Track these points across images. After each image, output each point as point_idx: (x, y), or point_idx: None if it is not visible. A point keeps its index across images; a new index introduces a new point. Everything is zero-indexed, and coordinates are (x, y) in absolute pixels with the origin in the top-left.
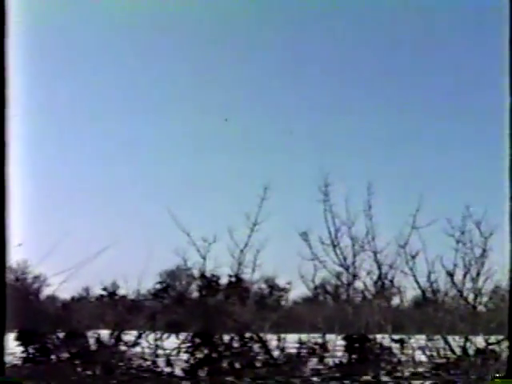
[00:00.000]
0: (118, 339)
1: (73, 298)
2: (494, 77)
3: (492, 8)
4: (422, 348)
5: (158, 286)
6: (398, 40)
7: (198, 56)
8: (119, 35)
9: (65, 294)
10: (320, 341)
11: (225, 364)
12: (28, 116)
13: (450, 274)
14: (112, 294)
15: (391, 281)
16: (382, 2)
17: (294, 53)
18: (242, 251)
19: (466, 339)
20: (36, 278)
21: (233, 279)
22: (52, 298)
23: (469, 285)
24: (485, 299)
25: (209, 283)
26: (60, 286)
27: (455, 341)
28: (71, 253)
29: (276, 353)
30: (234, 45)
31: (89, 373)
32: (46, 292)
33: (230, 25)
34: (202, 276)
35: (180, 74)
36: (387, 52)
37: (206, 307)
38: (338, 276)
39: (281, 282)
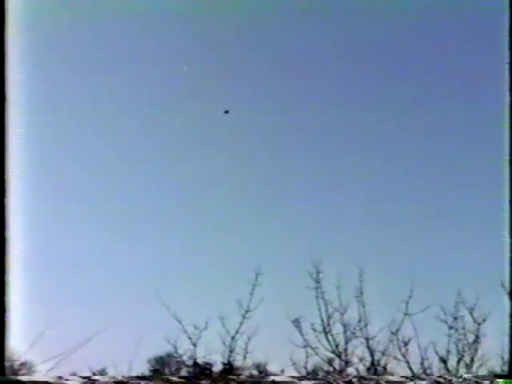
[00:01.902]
0: None
1: None
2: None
3: (492, 8)
4: None
5: (152, 369)
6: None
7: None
8: (120, 34)
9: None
10: None
11: None
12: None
13: (444, 361)
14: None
15: (384, 367)
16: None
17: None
18: (233, 338)
19: None
20: (22, 364)
21: (227, 367)
22: None
23: (463, 371)
24: None
25: (202, 371)
26: (48, 372)
27: None
28: (60, 339)
29: None
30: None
31: None
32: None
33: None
34: (195, 364)
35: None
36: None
37: None
38: (330, 362)
39: (272, 368)
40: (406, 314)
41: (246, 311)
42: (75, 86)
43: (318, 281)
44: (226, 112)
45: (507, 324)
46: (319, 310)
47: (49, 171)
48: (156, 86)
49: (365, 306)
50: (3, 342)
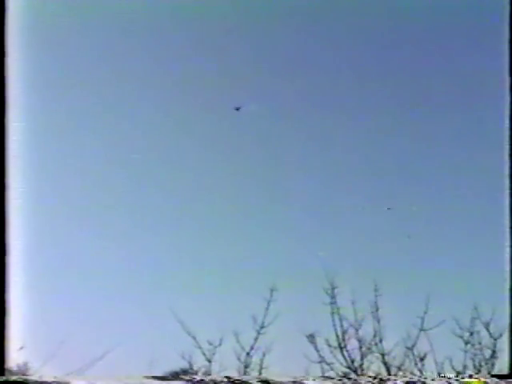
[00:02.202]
0: None
1: None
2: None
3: (492, 8)
4: None
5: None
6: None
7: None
8: (121, 35)
9: None
10: None
11: None
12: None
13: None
14: None
15: None
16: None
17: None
18: (248, 354)
19: None
20: (37, 381)
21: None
22: None
23: None
24: None
25: None
26: None
27: None
28: (74, 355)
29: None
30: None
31: None
32: None
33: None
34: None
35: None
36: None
37: None
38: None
39: None
40: (421, 329)
41: (261, 327)
42: (75, 86)
43: (332, 296)
44: (237, 109)
45: None
46: (334, 325)
47: (49, 171)
48: (155, 86)
49: (380, 322)
50: (3, 343)
